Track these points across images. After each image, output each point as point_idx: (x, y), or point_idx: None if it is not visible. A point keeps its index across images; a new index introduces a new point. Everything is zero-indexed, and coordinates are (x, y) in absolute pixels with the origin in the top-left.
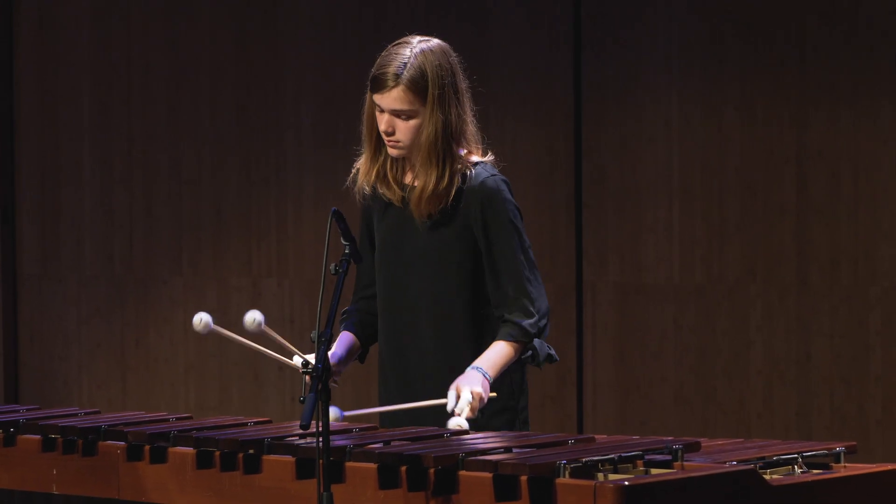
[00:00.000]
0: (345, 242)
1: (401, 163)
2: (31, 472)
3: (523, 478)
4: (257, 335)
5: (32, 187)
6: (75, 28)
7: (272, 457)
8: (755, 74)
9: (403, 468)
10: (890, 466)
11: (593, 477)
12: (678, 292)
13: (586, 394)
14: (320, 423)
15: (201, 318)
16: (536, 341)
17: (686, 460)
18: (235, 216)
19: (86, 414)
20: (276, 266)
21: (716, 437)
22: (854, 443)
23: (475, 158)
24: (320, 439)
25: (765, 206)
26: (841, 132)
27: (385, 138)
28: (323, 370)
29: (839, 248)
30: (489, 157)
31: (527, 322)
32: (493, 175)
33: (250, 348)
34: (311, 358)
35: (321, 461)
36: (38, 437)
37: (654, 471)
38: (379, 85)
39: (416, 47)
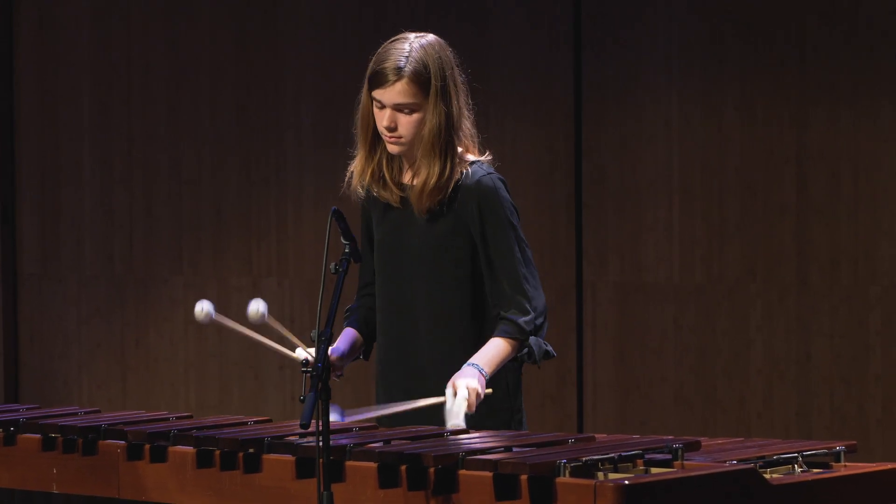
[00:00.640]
0: (345, 242)
1: (397, 162)
2: (31, 472)
3: (523, 477)
4: (260, 326)
5: (32, 187)
6: (75, 28)
7: (272, 456)
8: (755, 74)
9: (403, 467)
10: (890, 466)
11: (593, 476)
12: (678, 292)
13: (586, 393)
14: (320, 423)
15: (203, 307)
16: (532, 339)
17: (686, 459)
18: (235, 216)
19: (86, 413)
20: (276, 266)
21: (716, 437)
22: (854, 442)
23: (471, 157)
24: (320, 438)
25: (765, 206)
26: (841, 132)
27: (387, 135)
28: (323, 369)
29: (839, 248)
30: (486, 157)
31: (523, 319)
32: (489, 173)
33: (252, 339)
34: (313, 352)
35: (321, 460)
36: (38, 436)
37: (654, 470)
38: (380, 80)
39: (415, 42)
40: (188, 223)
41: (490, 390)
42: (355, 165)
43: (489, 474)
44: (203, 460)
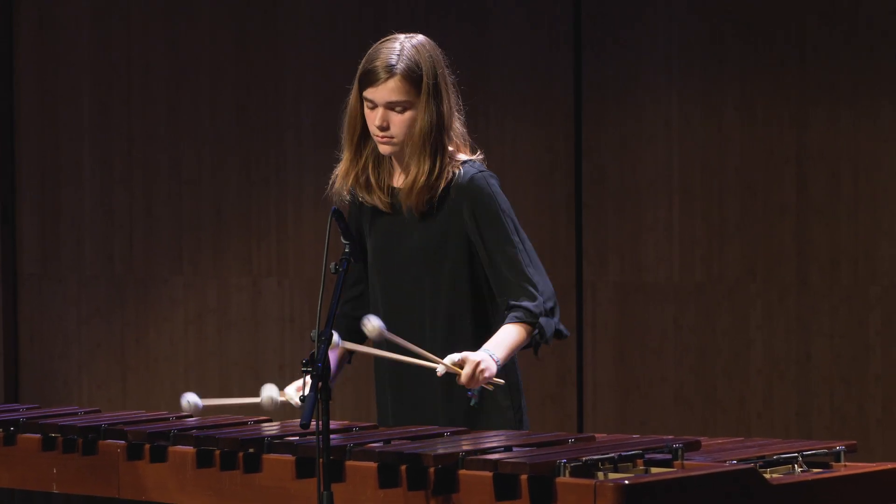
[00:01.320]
0: (345, 241)
1: (386, 165)
2: (31, 472)
3: (523, 477)
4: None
5: (32, 187)
6: (75, 28)
7: (272, 456)
8: (755, 74)
9: (403, 467)
10: (890, 465)
11: (593, 476)
12: (678, 292)
13: (586, 393)
14: (320, 423)
15: (188, 401)
16: (542, 319)
17: (686, 459)
18: (235, 216)
19: (86, 413)
20: (276, 266)
21: (716, 437)
22: (854, 442)
23: (462, 157)
24: (320, 438)
25: (765, 206)
26: (841, 132)
27: (378, 135)
28: (323, 369)
29: (839, 248)
30: (478, 156)
31: (531, 304)
32: (480, 171)
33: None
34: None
35: (321, 460)
36: (39, 436)
37: (654, 470)
38: (372, 78)
39: (405, 42)
40: (188, 223)
41: (502, 381)
42: (340, 168)
43: (489, 474)
44: (203, 460)
